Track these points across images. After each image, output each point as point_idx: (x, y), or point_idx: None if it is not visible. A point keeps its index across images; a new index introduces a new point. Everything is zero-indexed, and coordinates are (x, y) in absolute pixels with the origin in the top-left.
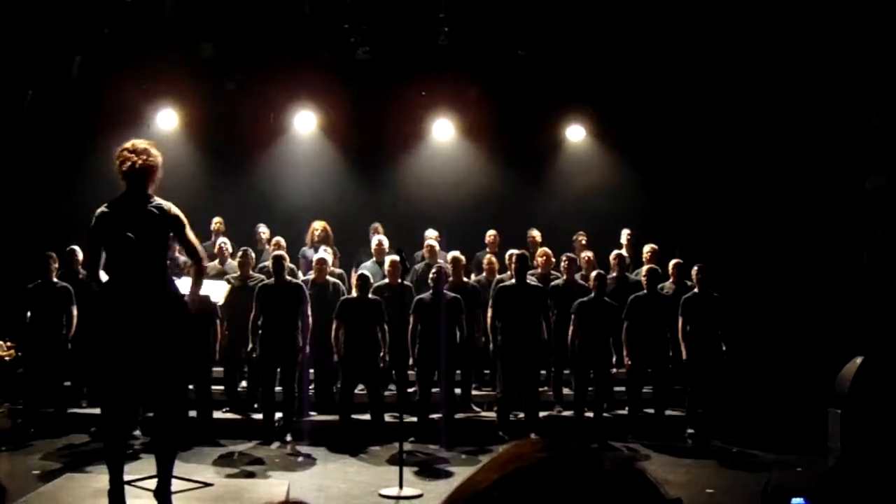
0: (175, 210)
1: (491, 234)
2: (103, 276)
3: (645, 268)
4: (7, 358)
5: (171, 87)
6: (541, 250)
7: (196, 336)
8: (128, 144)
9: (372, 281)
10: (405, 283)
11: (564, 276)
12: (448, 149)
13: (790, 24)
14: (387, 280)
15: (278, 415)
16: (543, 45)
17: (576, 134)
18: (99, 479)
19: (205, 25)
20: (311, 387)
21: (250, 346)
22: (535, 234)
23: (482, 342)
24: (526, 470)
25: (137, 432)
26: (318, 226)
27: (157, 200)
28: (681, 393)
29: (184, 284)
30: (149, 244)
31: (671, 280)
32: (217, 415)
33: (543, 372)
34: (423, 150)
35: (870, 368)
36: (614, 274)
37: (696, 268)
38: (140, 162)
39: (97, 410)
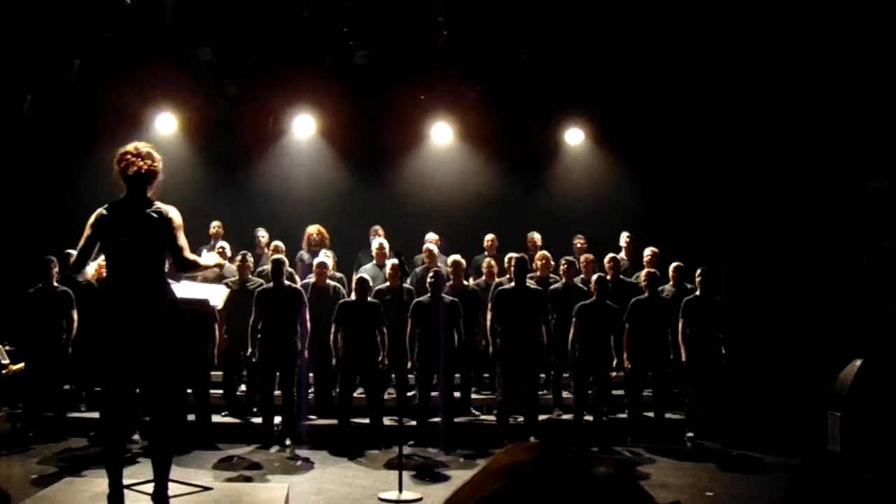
0: (174, 213)
1: (490, 237)
2: (89, 269)
3: (644, 271)
4: (14, 371)
5: (171, 91)
6: (540, 254)
7: (194, 340)
8: (130, 147)
9: (372, 284)
10: (406, 286)
11: (563, 280)
12: (447, 152)
13: (789, 27)
14: (388, 283)
15: (277, 419)
16: (542, 49)
17: (574, 137)
18: (98, 483)
19: (204, 29)
20: (310, 391)
21: (249, 350)
22: (536, 236)
23: (482, 345)
24: (523, 481)
25: (136, 436)
26: (312, 230)
27: (157, 205)
28: (680, 396)
29: (181, 288)
30: (146, 248)
31: (671, 283)
32: (216, 419)
33: (543, 375)
34: (421, 153)
35: (869, 371)
36: (609, 277)
37: (699, 271)
38: (145, 167)
39: (96, 414)
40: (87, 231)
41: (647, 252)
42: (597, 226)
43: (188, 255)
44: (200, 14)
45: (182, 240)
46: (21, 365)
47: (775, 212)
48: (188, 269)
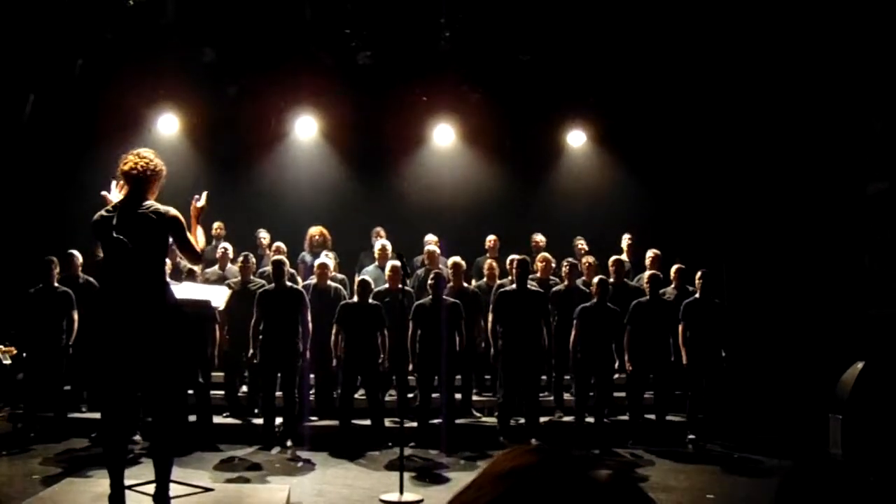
0: (173, 212)
1: (491, 238)
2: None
3: (647, 273)
4: (8, 357)
5: (173, 92)
6: (541, 255)
7: (194, 341)
8: (134, 151)
9: (374, 286)
10: (406, 288)
11: (566, 282)
12: (449, 153)
13: (792, 30)
14: (387, 285)
15: (279, 420)
16: (545, 51)
17: (577, 139)
18: (99, 483)
19: (206, 30)
20: (311, 392)
21: (251, 351)
22: (539, 238)
23: (483, 347)
24: (523, 485)
25: (138, 437)
26: (314, 231)
27: (155, 205)
28: (682, 398)
29: (183, 290)
30: (145, 248)
31: (673, 286)
32: (217, 420)
33: (544, 377)
34: (423, 154)
35: (871, 374)
36: (613, 279)
37: (698, 273)
38: (143, 164)
39: (97, 415)
40: (93, 237)
41: (649, 254)
42: (598, 228)
43: (196, 246)
44: (203, 15)
45: (191, 238)
46: (13, 349)
47: (777, 214)
48: (198, 258)
